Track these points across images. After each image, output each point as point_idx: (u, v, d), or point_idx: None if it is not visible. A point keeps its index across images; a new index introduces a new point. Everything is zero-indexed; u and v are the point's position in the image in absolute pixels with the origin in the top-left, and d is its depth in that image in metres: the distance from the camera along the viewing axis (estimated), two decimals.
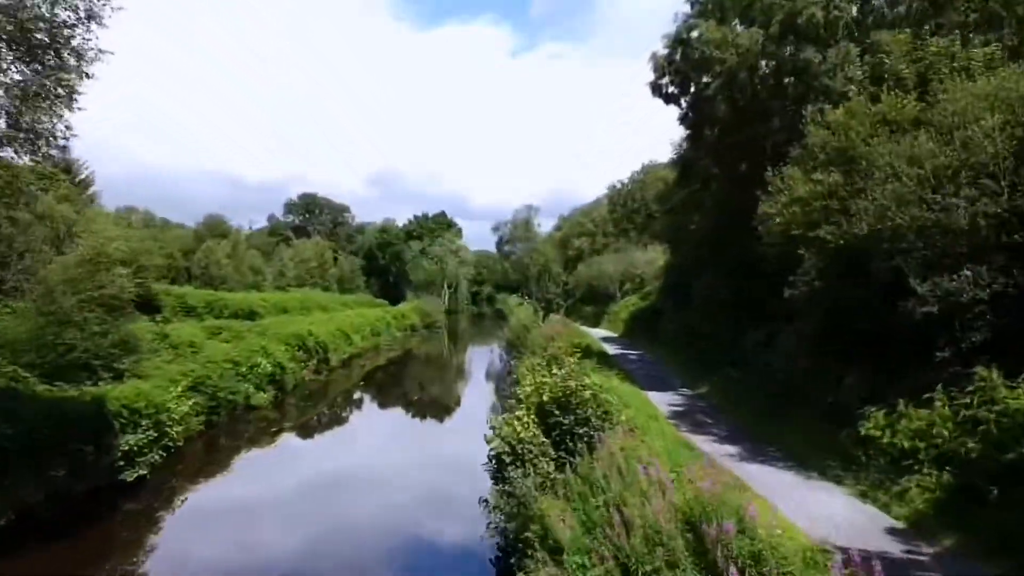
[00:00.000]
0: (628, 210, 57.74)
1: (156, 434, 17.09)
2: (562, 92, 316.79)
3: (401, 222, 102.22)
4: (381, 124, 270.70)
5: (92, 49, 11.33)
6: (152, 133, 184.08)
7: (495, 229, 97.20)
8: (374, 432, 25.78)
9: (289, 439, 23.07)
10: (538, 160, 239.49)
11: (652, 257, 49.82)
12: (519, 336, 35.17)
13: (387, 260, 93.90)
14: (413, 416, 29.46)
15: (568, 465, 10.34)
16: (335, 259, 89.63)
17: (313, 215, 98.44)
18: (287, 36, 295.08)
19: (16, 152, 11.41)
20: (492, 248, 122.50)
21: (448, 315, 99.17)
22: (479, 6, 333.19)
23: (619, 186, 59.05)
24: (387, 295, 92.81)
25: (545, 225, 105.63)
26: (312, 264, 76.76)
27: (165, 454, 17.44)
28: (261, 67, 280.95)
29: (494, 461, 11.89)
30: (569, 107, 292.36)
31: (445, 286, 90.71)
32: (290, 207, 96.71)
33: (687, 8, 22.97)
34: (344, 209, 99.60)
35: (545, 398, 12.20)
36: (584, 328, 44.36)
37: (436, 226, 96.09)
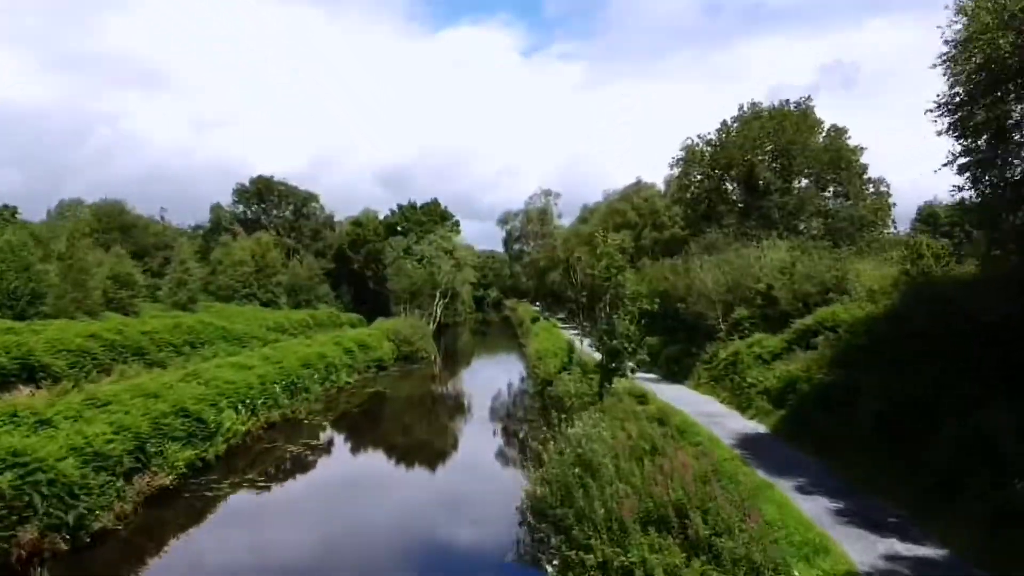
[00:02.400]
0: (714, 183, 35.83)
1: None
2: (570, 90, 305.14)
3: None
4: (390, 123, 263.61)
5: None
6: (159, 134, 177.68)
7: (502, 222, 75.48)
8: None
9: None
10: (546, 159, 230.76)
11: (782, 260, 27.83)
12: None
13: (362, 262, 72.27)
14: None
15: None
16: (290, 260, 68.19)
17: (270, 204, 77.03)
18: (295, 35, 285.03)
19: None
20: (499, 247, 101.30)
21: (442, 331, 77.68)
22: (493, 5, 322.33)
23: (698, 145, 37.10)
24: (365, 308, 71.34)
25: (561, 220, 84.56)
26: (246, 268, 55.19)
27: None
28: (268, 67, 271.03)
29: None
30: (577, 105, 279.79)
31: (437, 295, 69.04)
32: (240, 194, 75.36)
33: None
34: (310, 197, 78.10)
35: None
36: (660, 392, 22.65)
37: (426, 218, 74.49)
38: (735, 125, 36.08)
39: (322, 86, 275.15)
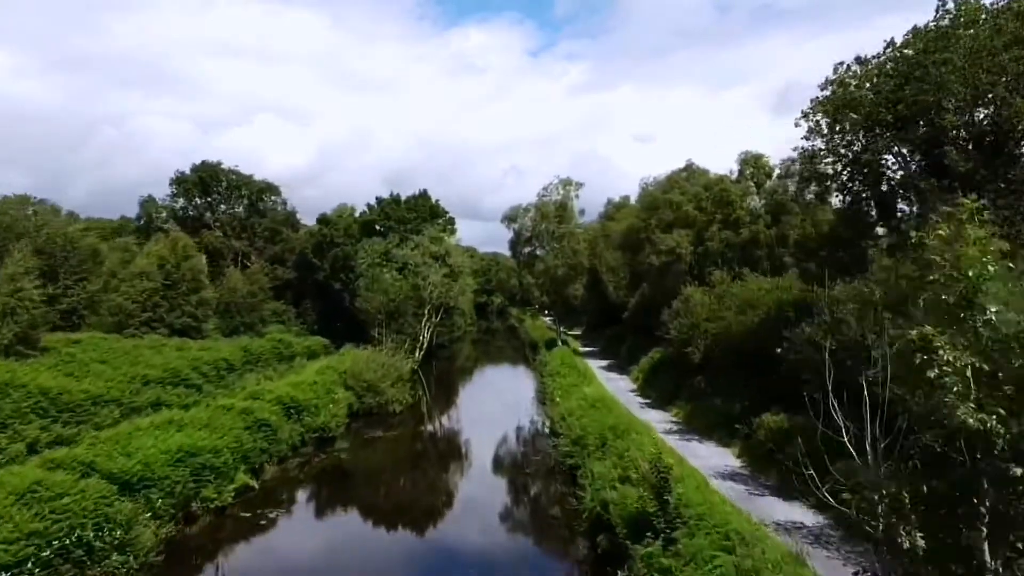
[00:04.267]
0: (884, 141, 19.93)
1: None
2: (578, 89, 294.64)
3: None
4: (396, 123, 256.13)
5: None
6: (164, 134, 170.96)
7: (509, 220, 59.17)
8: None
9: None
10: (553, 159, 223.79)
11: None
12: None
13: (328, 271, 56.33)
14: None
15: None
16: (230, 268, 52.55)
17: (218, 197, 61.14)
18: (300, 34, 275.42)
19: None
20: (504, 249, 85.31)
21: (434, 354, 62.29)
22: (502, 4, 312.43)
23: (859, 75, 21.13)
24: (338, 329, 55.54)
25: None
26: (149, 283, 39.37)
27: None
28: (273, 67, 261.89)
29: None
30: (585, 104, 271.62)
31: (426, 313, 53.09)
32: (178, 184, 59.43)
33: None
34: (268, 189, 62.13)
35: None
36: None
37: (413, 215, 58.47)
38: (930, 33, 19.97)
39: (327, 86, 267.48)
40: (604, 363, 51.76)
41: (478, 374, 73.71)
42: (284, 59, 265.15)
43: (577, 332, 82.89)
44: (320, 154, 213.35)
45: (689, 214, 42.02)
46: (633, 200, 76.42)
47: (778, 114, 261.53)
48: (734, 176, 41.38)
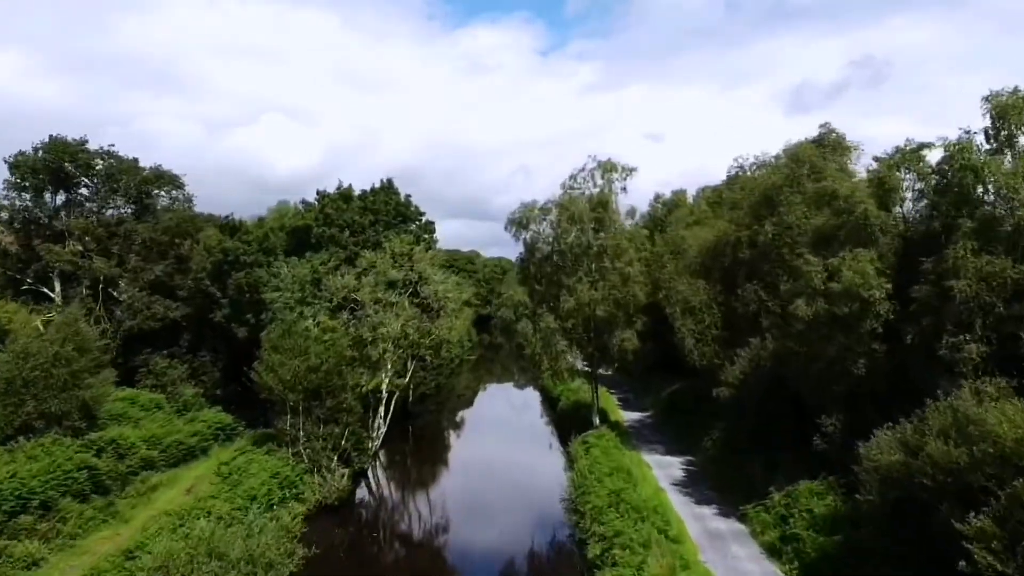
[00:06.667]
0: None
1: None
2: (587, 89, 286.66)
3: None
4: (403, 122, 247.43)
5: None
6: (171, 134, 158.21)
7: (518, 225, 37.61)
8: None
9: None
10: (561, 159, 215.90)
11: None
12: None
13: (229, 308, 35.73)
14: None
15: None
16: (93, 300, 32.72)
17: (88, 191, 40.77)
18: (308, 33, 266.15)
19: None
20: (512, 250, 64.78)
21: (410, 413, 42.63)
22: (512, 4, 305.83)
23: None
24: (250, 393, 35.23)
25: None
26: None
27: None
28: (280, 65, 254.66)
29: None
30: (594, 104, 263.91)
31: (385, 376, 32.62)
32: (19, 170, 39.06)
33: None
34: (159, 178, 41.66)
35: None
36: None
37: (368, 220, 37.82)
38: None
39: (334, 86, 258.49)
40: (677, 466, 31.05)
41: (475, 428, 53.41)
42: (291, 59, 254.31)
43: (606, 371, 61.63)
44: (328, 154, 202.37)
45: (870, 216, 21.35)
46: (691, 196, 55.65)
47: (790, 113, 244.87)
48: (976, 137, 20.33)
